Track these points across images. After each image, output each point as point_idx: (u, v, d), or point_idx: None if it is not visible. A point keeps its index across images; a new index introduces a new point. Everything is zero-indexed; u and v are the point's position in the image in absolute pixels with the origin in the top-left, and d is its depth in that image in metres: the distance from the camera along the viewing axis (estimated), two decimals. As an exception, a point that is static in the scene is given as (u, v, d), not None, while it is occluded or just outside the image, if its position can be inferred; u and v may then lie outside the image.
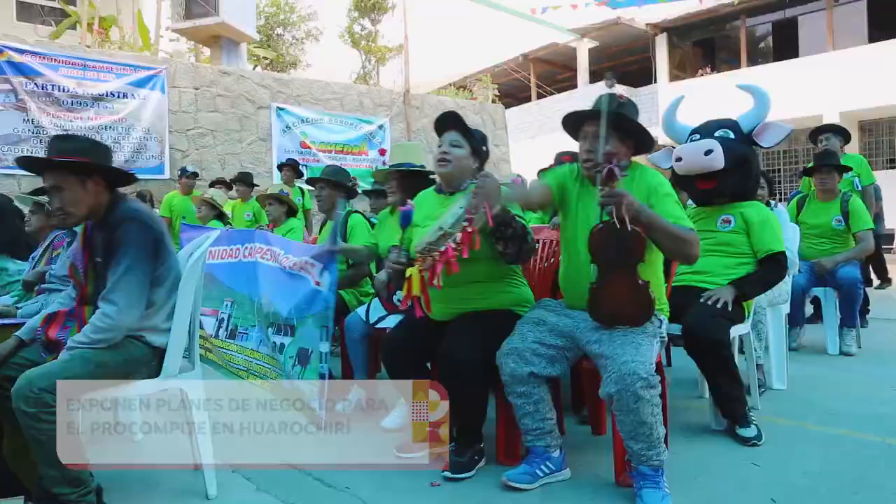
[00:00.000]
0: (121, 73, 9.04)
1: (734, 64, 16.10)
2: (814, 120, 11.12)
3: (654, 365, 2.15)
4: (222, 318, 4.01)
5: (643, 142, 2.41)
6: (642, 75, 17.09)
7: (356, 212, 3.93)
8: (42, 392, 1.88)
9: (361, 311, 3.37)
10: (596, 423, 2.90)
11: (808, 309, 5.14)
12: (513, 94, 19.54)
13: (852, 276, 4.35)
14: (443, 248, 2.27)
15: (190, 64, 10.45)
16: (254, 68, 15.21)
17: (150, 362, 2.22)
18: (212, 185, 7.90)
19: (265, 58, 15.54)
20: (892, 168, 13.51)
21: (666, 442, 2.63)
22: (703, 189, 3.09)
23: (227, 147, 9.93)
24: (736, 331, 2.89)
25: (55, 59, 8.56)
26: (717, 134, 3.07)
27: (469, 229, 2.23)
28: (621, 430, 2.14)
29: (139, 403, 3.02)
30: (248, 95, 10.14)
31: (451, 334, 2.47)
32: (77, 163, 2.11)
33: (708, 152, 2.93)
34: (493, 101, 13.83)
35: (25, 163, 2.23)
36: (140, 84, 9.16)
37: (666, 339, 2.39)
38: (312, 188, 4.63)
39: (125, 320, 2.09)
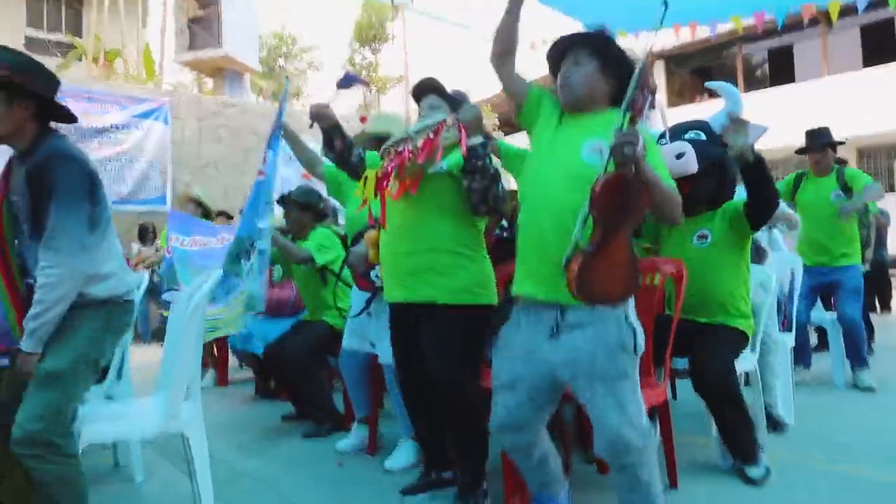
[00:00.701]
0: (125, 106, 9.14)
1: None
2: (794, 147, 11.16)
3: (643, 412, 1.98)
4: None
5: (626, 85, 1.96)
6: (641, 102, 17.20)
7: (324, 225, 4.01)
8: (41, 433, 1.82)
9: (350, 343, 3.27)
10: (602, 462, 2.86)
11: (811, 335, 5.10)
12: (513, 122, 19.69)
13: (853, 318, 4.28)
14: (400, 149, 2.22)
15: (194, 96, 10.59)
16: (256, 99, 15.38)
17: (109, 319, 2.04)
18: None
19: (268, 88, 15.74)
20: (892, 192, 13.55)
21: (674, 480, 2.62)
22: None
23: (230, 179, 9.99)
24: (742, 366, 2.86)
25: (60, 92, 8.63)
26: (686, 136, 2.89)
27: (432, 136, 2.16)
28: (617, 485, 2.02)
29: (140, 445, 3.00)
30: (251, 127, 10.23)
31: (430, 367, 2.39)
32: (4, 77, 1.93)
33: (679, 155, 2.74)
34: (494, 130, 13.93)
35: None
36: (144, 116, 9.26)
37: (638, 328, 2.02)
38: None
39: (75, 265, 1.91)
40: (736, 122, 2.65)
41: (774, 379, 3.44)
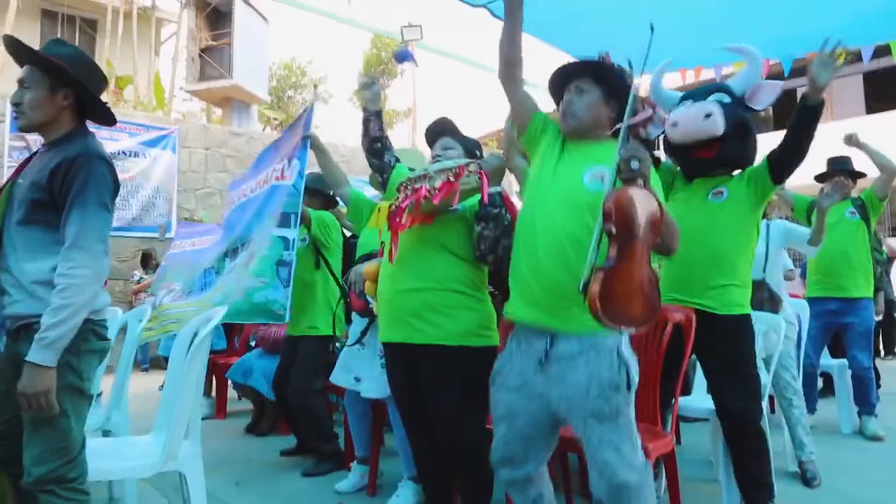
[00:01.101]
0: (133, 133, 9.23)
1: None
2: (817, 188, 11.21)
3: (639, 449, 1.91)
4: (174, 289, 3.99)
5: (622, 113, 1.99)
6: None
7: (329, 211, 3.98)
8: (50, 473, 1.76)
9: (335, 377, 3.23)
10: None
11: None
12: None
13: (864, 363, 4.24)
14: (417, 187, 2.17)
15: (202, 125, 10.67)
16: (263, 129, 15.52)
17: (84, 340, 1.85)
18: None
19: (275, 118, 15.88)
20: (894, 235, 13.58)
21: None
22: (700, 158, 2.73)
23: (234, 206, 10.03)
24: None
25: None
26: (711, 98, 2.75)
27: (452, 179, 2.12)
28: None
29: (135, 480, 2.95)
30: (256, 156, 10.30)
31: (434, 409, 2.36)
32: (54, 65, 1.92)
33: (708, 115, 2.62)
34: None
35: (13, 45, 1.99)
36: (152, 144, 9.35)
37: (631, 361, 1.94)
38: None
39: (102, 268, 1.83)
40: (829, 56, 2.46)
41: (805, 433, 3.40)
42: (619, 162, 1.76)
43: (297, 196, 3.18)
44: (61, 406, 1.78)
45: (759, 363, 2.81)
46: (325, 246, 3.75)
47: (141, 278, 8.23)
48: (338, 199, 4.14)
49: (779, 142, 2.71)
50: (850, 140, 4.23)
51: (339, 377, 3.18)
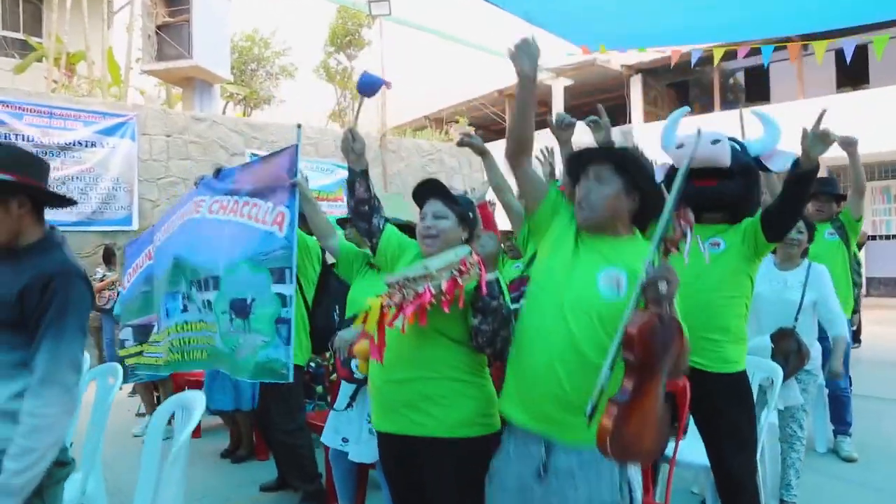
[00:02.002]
0: (89, 121, 8.77)
1: (706, 103, 16.46)
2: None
3: None
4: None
5: (650, 204, 1.95)
6: (617, 114, 17.29)
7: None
8: None
9: (325, 437, 3.11)
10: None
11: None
12: (486, 126, 19.64)
13: (839, 385, 4.30)
14: (420, 290, 1.98)
15: (161, 110, 10.19)
16: (226, 105, 14.97)
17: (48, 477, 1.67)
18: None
19: (238, 94, 15.30)
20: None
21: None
22: (700, 187, 2.59)
23: (199, 195, 9.69)
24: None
25: (19, 108, 8.26)
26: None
27: (459, 281, 1.98)
28: None
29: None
30: (221, 142, 9.93)
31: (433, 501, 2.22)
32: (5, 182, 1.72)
33: (715, 141, 2.58)
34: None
35: None
36: (109, 132, 8.90)
37: (634, 480, 1.87)
38: None
39: (72, 403, 1.69)
40: (822, 135, 2.41)
41: (795, 477, 3.47)
42: (645, 283, 1.63)
43: (290, 249, 3.01)
44: None
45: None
46: (300, 269, 3.58)
47: (104, 275, 7.90)
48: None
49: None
50: (849, 144, 3.94)
51: (328, 438, 3.07)
